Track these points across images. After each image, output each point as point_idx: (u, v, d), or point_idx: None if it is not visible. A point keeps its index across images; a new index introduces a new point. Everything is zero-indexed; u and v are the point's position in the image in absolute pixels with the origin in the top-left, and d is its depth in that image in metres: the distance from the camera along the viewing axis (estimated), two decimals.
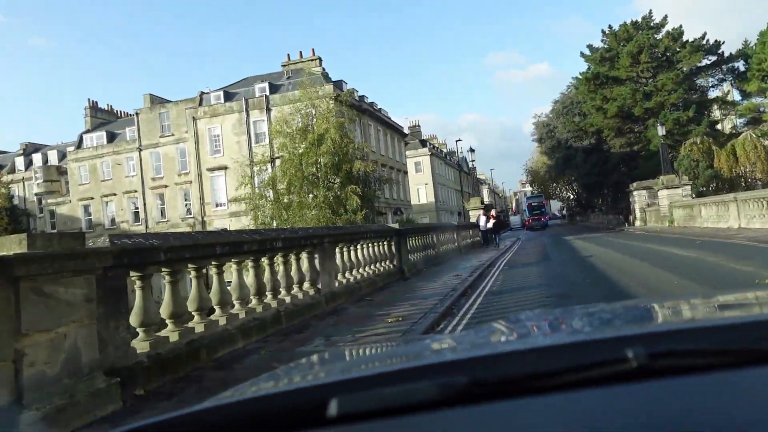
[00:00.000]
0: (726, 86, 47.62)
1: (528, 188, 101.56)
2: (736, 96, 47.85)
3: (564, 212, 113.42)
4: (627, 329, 1.10)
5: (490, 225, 22.32)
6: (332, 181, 28.43)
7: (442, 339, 1.70)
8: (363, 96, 40.49)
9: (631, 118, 46.88)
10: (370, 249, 10.88)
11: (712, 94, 46.85)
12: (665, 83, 42.85)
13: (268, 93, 33.45)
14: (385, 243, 11.76)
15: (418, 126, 67.11)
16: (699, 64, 45.40)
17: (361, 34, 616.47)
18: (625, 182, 49.01)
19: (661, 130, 29.74)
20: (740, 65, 45.60)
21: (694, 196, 27.31)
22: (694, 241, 15.91)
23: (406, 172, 46.91)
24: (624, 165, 48.03)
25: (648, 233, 23.90)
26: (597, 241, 21.73)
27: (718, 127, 46.19)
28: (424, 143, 64.45)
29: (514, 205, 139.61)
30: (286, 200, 28.35)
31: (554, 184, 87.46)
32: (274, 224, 27.73)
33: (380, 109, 44.57)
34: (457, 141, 26.16)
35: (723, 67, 46.10)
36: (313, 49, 37.18)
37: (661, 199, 27.36)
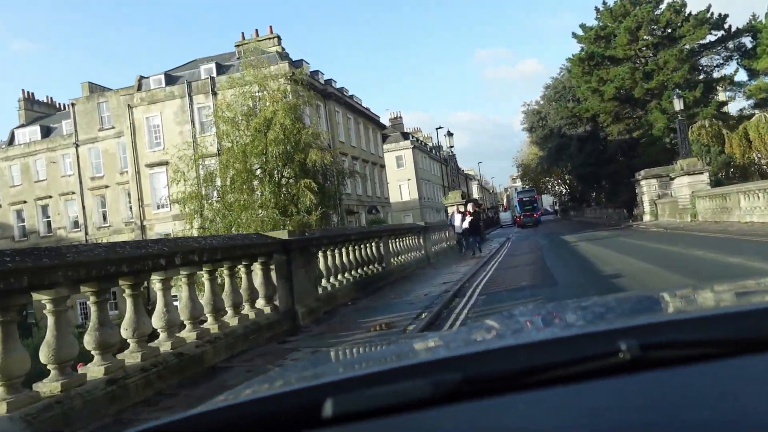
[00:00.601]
0: (732, 66, 43.58)
1: (519, 184, 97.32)
2: (743, 76, 43.76)
3: (556, 207, 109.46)
4: (619, 322, 1.07)
5: (466, 225, 17.61)
6: (283, 174, 23.78)
7: (436, 337, 1.54)
8: (330, 80, 35.82)
9: (630, 102, 42.63)
10: (223, 281, 6.09)
11: (717, 75, 42.65)
12: (668, 60, 38.58)
13: (215, 74, 28.76)
14: (258, 266, 6.65)
15: (400, 118, 62.51)
16: (703, 41, 41.24)
17: (347, 38, 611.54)
18: (624, 173, 44.74)
19: (677, 103, 25.30)
20: (747, 41, 41.49)
21: (710, 184, 22.95)
22: (764, 244, 11.32)
23: (383, 166, 42.28)
24: (622, 154, 43.76)
25: (670, 231, 19.42)
26: (609, 243, 17.22)
27: (725, 109, 42.00)
28: (406, 136, 59.85)
29: (505, 201, 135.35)
30: (231, 199, 23.67)
31: (546, 178, 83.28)
32: (219, 228, 23.12)
33: (352, 96, 39.89)
34: (437, 129, 22.50)
35: (729, 43, 41.95)
36: (270, 27, 32.55)
37: (678, 189, 22.91)
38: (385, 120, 63.26)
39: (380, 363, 1.22)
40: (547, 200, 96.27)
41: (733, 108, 45.51)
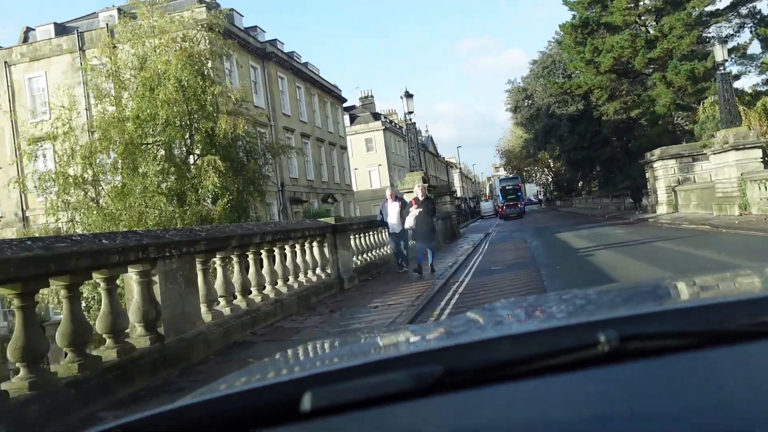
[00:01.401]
0: (745, 35, 38.30)
1: (502, 172, 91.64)
2: (755, 48, 38.52)
3: (540, 197, 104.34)
4: (599, 314, 1.09)
5: (410, 222, 10.66)
6: (188, 149, 17.77)
7: (418, 329, 1.63)
8: (275, 40, 29.52)
9: (628, 75, 37.25)
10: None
11: (729, 46, 37.27)
12: (673, 26, 33.15)
13: (117, 22, 22.45)
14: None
15: (371, 97, 56.30)
16: (712, 6, 35.85)
17: (328, 25, 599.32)
18: (621, 158, 39.45)
19: (720, 52, 19.33)
20: (763, 6, 36.29)
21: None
22: None
23: (344, 148, 36.15)
24: (618, 136, 38.33)
25: (723, 230, 13.69)
26: (640, 252, 11.43)
27: (737, 85, 36.78)
28: (377, 116, 53.73)
29: (487, 190, 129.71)
30: (118, 183, 17.67)
31: (530, 167, 77.75)
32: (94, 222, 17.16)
33: (307, 63, 33.62)
34: (409, 114, 17.10)
35: (742, 8, 36.64)
36: None
37: (720, 169, 17.12)
38: (354, 100, 57.08)
39: (361, 356, 1.20)
40: (531, 190, 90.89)
41: (746, 85, 40.39)
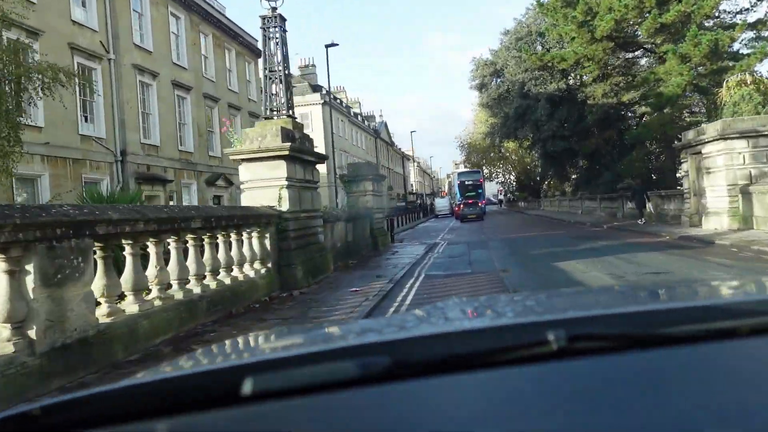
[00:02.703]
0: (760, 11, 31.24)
1: (463, 168, 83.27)
2: None
3: (500, 197, 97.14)
4: (549, 315, 1.14)
5: None
6: None
7: (369, 322, 1.58)
8: None
9: (629, 47, 29.49)
10: None
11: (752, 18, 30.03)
12: None
13: None
14: None
15: (313, 66, 46.80)
16: None
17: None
18: (607, 152, 31.76)
19: None
20: None
21: None
22: None
23: (256, 116, 26.62)
24: (604, 125, 30.40)
25: None
26: None
27: (758, 67, 29.55)
28: (317, 89, 44.30)
29: (446, 187, 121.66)
30: None
31: (492, 167, 69.65)
32: None
33: None
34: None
35: None
36: None
37: None
38: (293, 69, 47.52)
39: (309, 345, 1.21)
40: (490, 188, 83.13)
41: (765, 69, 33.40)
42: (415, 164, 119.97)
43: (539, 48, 33.79)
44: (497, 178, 75.99)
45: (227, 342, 1.36)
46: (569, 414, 0.67)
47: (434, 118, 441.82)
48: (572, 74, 32.81)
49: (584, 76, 31.79)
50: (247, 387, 0.75)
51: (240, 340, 1.45)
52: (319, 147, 41.14)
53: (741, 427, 0.61)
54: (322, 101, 42.28)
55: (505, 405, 0.71)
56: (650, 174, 28.59)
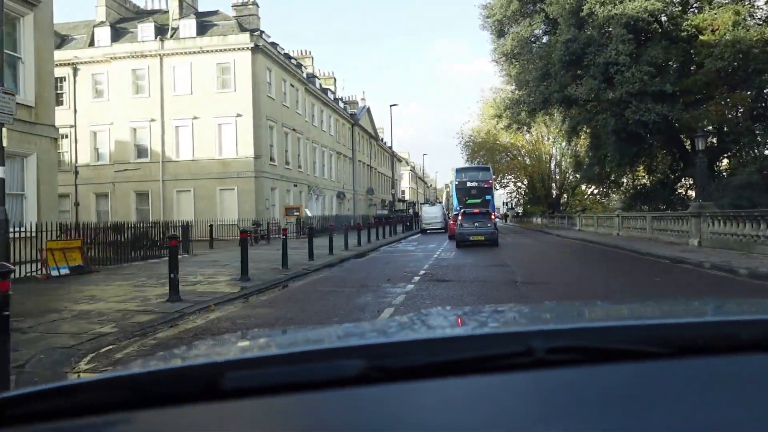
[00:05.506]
0: None
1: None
2: None
3: (504, 210, 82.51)
4: (531, 326, 1.19)
5: None
6: None
7: (351, 326, 1.62)
8: None
9: None
10: None
11: None
12: None
13: None
14: None
15: (254, 6, 32.20)
16: None
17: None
18: (743, 130, 17.36)
19: None
20: None
21: None
22: None
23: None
24: (728, 81, 15.95)
25: None
26: None
27: None
28: (251, 32, 29.58)
29: (444, 198, 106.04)
30: None
31: (497, 163, 54.71)
32: None
33: None
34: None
35: None
36: None
37: None
38: (226, 8, 33.32)
39: (289, 346, 1.22)
40: (498, 199, 68.20)
41: None
42: (409, 168, 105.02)
43: None
44: (507, 186, 61.00)
45: (208, 341, 1.38)
46: (546, 421, 0.68)
47: (434, 126, 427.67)
48: None
49: None
50: (223, 383, 0.76)
51: (218, 339, 1.47)
52: (246, 115, 25.29)
53: None
54: (253, 45, 27.65)
55: (479, 412, 0.71)
56: None
